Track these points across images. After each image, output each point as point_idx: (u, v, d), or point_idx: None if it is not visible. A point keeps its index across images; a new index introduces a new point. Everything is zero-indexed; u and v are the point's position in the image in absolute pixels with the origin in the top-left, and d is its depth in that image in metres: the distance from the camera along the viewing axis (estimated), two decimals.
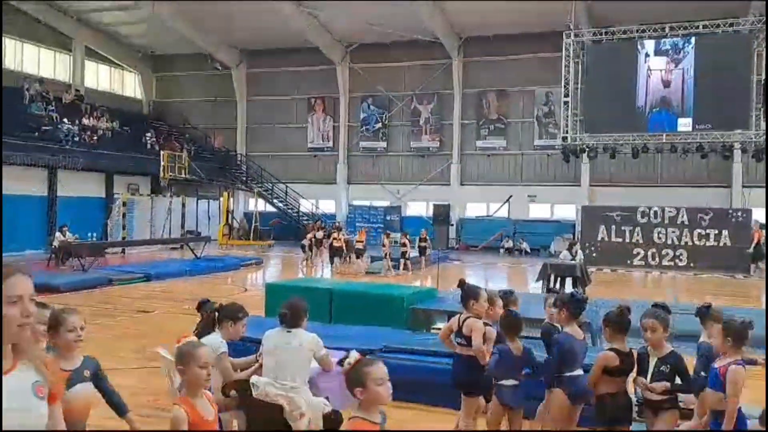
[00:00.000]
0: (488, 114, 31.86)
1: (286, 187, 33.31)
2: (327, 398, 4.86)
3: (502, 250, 29.38)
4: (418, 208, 33.01)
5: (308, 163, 34.68)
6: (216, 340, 4.80)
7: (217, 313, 4.99)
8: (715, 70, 23.50)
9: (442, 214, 31.07)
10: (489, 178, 31.89)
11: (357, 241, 21.57)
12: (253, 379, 4.66)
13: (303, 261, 22.03)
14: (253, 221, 30.61)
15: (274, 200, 32.98)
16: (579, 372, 4.79)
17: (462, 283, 5.48)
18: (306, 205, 33.75)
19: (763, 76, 23.27)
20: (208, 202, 31.81)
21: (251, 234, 30.26)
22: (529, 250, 28.54)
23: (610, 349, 4.54)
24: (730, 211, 24.27)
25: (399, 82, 32.84)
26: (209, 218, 30.97)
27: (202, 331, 4.95)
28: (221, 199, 31.39)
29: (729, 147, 24.13)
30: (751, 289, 18.77)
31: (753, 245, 22.52)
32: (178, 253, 23.71)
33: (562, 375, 4.77)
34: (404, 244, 20.65)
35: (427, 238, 22.57)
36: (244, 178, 34.06)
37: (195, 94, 35.99)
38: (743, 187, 27.44)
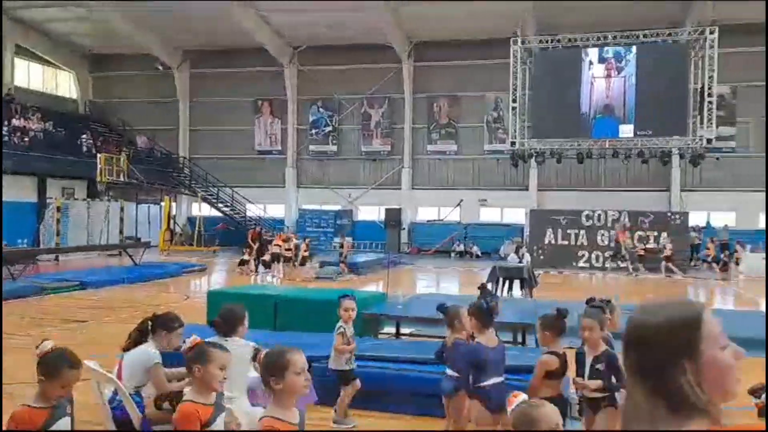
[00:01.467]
0: (439, 118, 32.12)
1: (232, 191, 32.71)
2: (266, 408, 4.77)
3: (453, 254, 29.65)
4: (370, 212, 33.00)
5: (255, 166, 34.14)
6: (148, 351, 4.66)
7: (150, 323, 4.85)
8: (654, 79, 24.23)
9: (393, 218, 31.15)
10: (440, 183, 32.14)
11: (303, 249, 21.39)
12: (188, 389, 4.54)
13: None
14: (197, 226, 29.98)
15: (219, 205, 32.28)
16: (495, 380, 4.73)
17: (482, 287, 5.92)
18: (253, 210, 33.26)
19: (700, 85, 24.13)
20: (149, 206, 30.97)
21: (195, 240, 29.62)
22: (479, 254, 28.85)
23: (549, 353, 4.57)
24: (669, 214, 25.08)
25: (349, 85, 32.70)
26: (150, 223, 30.16)
27: (135, 341, 4.80)
28: (163, 203, 30.63)
29: (668, 152, 24.91)
30: (683, 289, 19.41)
31: (614, 245, 23.38)
32: (116, 260, 22.82)
33: (479, 385, 4.71)
34: (341, 246, 20.66)
35: (344, 243, 22.28)
36: (188, 182, 33.28)
37: (135, 94, 34.93)
38: (681, 190, 28.43)
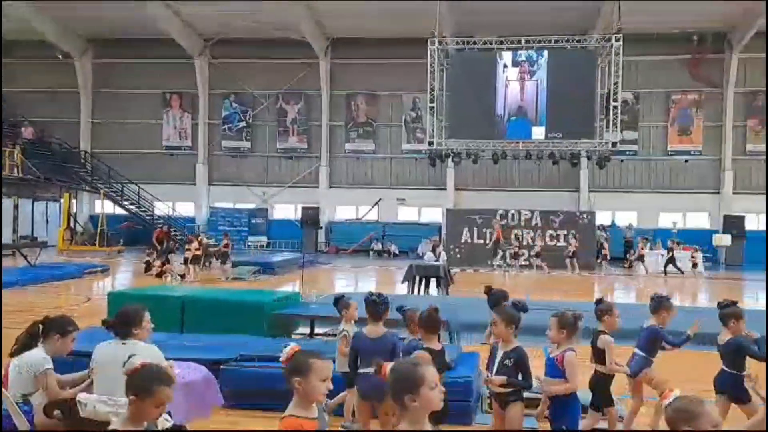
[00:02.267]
0: (357, 117, 32.00)
1: (138, 187, 31.28)
2: (169, 413, 4.49)
3: (371, 253, 29.65)
4: (286, 210, 32.50)
5: (164, 162, 32.73)
6: (38, 356, 4.31)
7: (41, 326, 4.47)
8: (564, 83, 25.05)
9: (310, 217, 30.76)
10: (358, 181, 32.03)
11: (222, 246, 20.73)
12: (80, 396, 4.19)
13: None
14: (99, 225, 28.56)
15: (125, 202, 30.80)
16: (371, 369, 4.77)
17: (488, 290, 5.83)
18: (161, 208, 31.92)
19: (606, 90, 25.18)
20: (47, 203, 29.24)
21: (97, 239, 28.18)
22: (397, 252, 28.97)
23: (424, 349, 4.65)
24: (578, 214, 26.09)
25: (264, 80, 31.96)
26: (48, 222, 28.48)
27: (23, 345, 4.42)
28: (62, 200, 28.95)
29: (576, 155, 25.86)
30: (591, 285, 20.23)
31: (493, 242, 24.34)
32: (10, 261, 21.17)
33: (357, 373, 4.98)
34: (226, 246, 20.21)
35: (230, 243, 21.54)
36: (89, 178, 31.54)
37: (32, 84, 32.38)
38: (589, 191, 29.63)
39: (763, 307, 15.75)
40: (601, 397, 5.17)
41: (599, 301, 5.48)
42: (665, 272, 22.70)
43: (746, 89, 29.19)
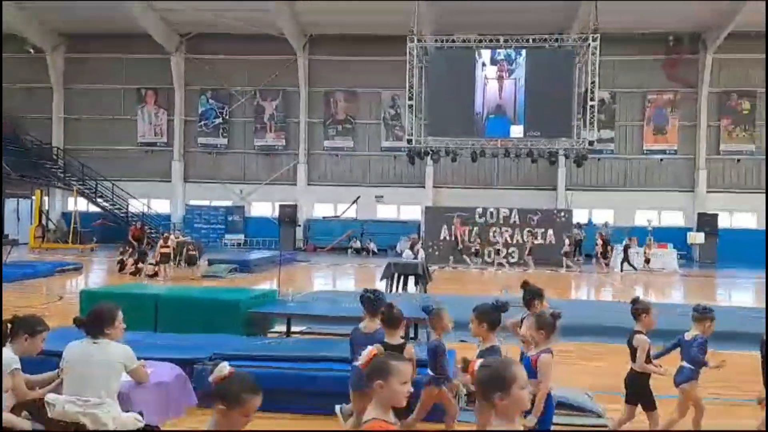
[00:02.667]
0: (336, 114, 31.86)
1: (113, 184, 30.84)
2: (141, 413, 4.43)
3: (350, 251, 29.57)
4: (263, 208, 32.27)
5: (139, 159, 32.27)
6: (6, 356, 4.21)
7: (9, 326, 4.37)
8: (542, 82, 25.19)
9: (288, 215, 30.60)
10: (337, 179, 31.91)
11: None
12: (49, 397, 4.12)
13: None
14: (72, 222, 28.11)
15: (98, 199, 30.34)
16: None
17: (525, 284, 5.66)
18: (136, 205, 31.45)
19: (583, 89, 25.38)
20: (18, 201, 28.71)
21: (70, 237, 27.72)
22: (376, 250, 28.93)
23: (381, 343, 4.71)
24: (555, 212, 26.27)
25: (241, 76, 31.67)
26: (19, 219, 27.96)
27: None
28: (34, 197, 28.44)
29: (554, 153, 26.04)
30: (568, 282, 20.39)
31: (454, 239, 24.64)
32: None
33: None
34: (191, 244, 20.01)
35: (195, 245, 20.84)
36: (62, 175, 30.97)
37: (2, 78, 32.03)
38: (566, 189, 29.86)
39: (734, 305, 16.04)
40: (640, 396, 5.19)
41: (636, 301, 5.42)
42: (621, 269, 23.08)
43: (720, 89, 29.63)
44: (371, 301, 5.22)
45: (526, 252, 24.17)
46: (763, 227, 26.84)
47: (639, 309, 5.30)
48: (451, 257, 24.06)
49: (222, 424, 2.82)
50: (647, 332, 5.22)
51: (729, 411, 6.40)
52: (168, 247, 18.48)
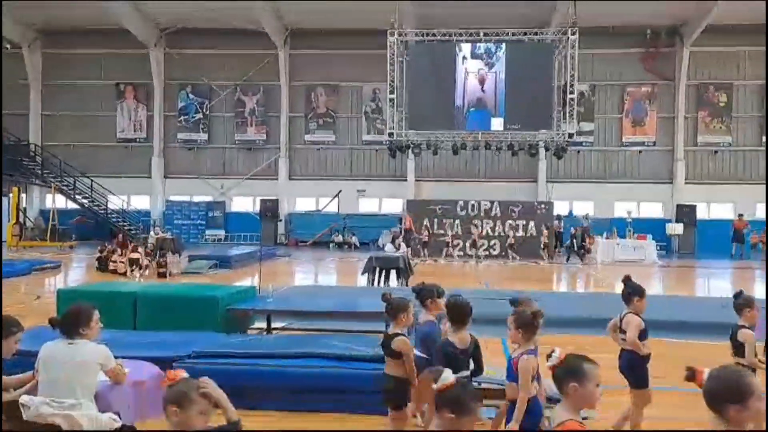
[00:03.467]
0: (317, 108, 31.75)
1: (92, 181, 30.44)
2: (118, 413, 4.40)
3: (332, 245, 29.54)
4: (244, 203, 32.11)
5: (118, 155, 31.95)
6: None
7: None
8: (522, 75, 25.34)
9: (269, 209, 30.50)
10: (318, 173, 31.82)
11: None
12: (24, 398, 4.08)
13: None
14: (50, 220, 27.77)
15: (77, 196, 29.91)
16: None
17: (627, 279, 5.55)
18: (116, 202, 31.12)
19: (563, 82, 25.54)
20: None
21: (48, 234, 27.38)
22: (358, 244, 28.93)
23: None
24: (536, 204, 26.45)
25: (221, 71, 31.45)
26: None
27: None
28: (10, 195, 28.02)
29: (535, 145, 26.19)
30: (549, 274, 20.56)
31: (403, 230, 24.92)
32: None
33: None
34: (164, 240, 19.82)
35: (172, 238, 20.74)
36: (40, 171, 30.49)
37: None
38: (547, 181, 30.04)
39: (709, 294, 16.29)
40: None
41: (738, 295, 5.26)
42: (567, 260, 23.63)
43: (697, 82, 29.95)
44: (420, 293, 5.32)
45: (508, 245, 24.37)
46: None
47: (742, 303, 5.17)
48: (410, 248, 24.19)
49: None
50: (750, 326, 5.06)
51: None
52: (138, 253, 18.04)
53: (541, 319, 4.53)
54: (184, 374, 2.91)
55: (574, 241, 24.84)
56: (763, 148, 29.53)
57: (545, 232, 24.34)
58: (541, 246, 24.16)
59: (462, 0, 25.23)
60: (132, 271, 17.55)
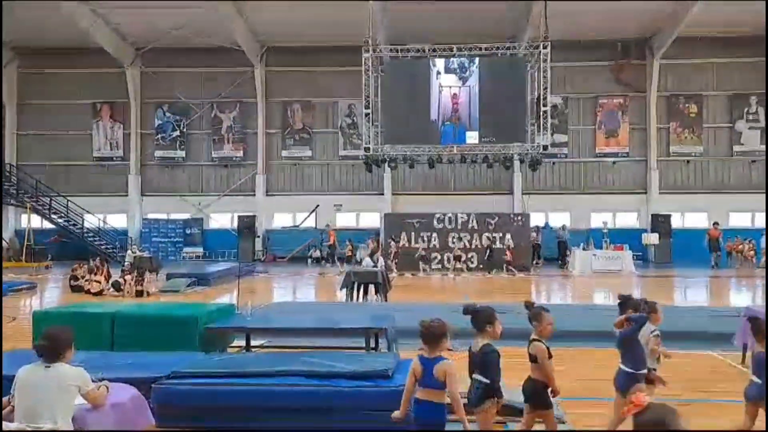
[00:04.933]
0: (293, 124, 31.81)
1: (67, 200, 30.19)
2: None
3: (310, 260, 29.45)
4: (222, 220, 31.96)
5: (94, 174, 31.79)
6: None
7: None
8: (496, 89, 25.60)
9: (247, 226, 30.39)
10: (295, 188, 31.84)
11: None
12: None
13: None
14: (26, 240, 27.37)
15: (53, 216, 29.65)
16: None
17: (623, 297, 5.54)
18: (92, 221, 30.83)
19: (536, 95, 25.86)
20: None
21: (24, 254, 27.03)
22: (336, 259, 28.86)
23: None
24: (512, 216, 26.68)
25: (198, 89, 31.50)
26: None
27: None
28: None
29: (510, 158, 26.43)
30: (527, 286, 20.71)
31: (328, 245, 24.99)
32: None
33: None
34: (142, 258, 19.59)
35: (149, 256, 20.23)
36: (15, 192, 30.16)
37: None
38: (523, 193, 30.35)
39: (693, 304, 16.52)
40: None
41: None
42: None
43: (668, 93, 30.55)
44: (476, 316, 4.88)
45: (485, 257, 24.52)
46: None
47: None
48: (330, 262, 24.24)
49: None
50: None
51: (701, 411, 6.48)
52: (98, 282, 17.55)
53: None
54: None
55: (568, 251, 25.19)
56: (733, 158, 30.22)
57: (508, 251, 24.47)
58: (505, 262, 24.24)
59: (435, 13, 25.50)
60: (107, 291, 17.30)
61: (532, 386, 4.91)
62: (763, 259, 25.45)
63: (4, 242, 29.32)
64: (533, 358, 4.88)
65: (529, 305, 5.19)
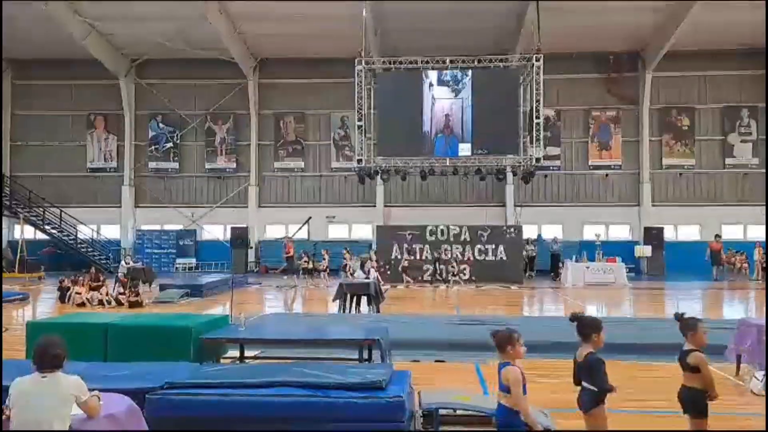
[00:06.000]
0: (286, 136, 31.90)
1: (61, 211, 30.21)
2: None
3: (302, 271, 29.34)
4: (215, 231, 31.93)
5: (88, 185, 31.84)
6: None
7: None
8: (489, 101, 25.70)
9: (239, 237, 30.36)
10: (288, 200, 31.88)
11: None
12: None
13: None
14: (19, 251, 27.28)
15: (46, 227, 29.65)
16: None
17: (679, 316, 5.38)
18: (86, 231, 30.84)
19: (529, 108, 26.04)
20: None
21: (17, 266, 26.94)
22: (329, 270, 28.79)
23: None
24: (505, 228, 26.76)
25: (191, 101, 31.62)
26: None
27: None
28: None
29: (502, 170, 26.55)
30: (520, 298, 20.74)
31: (285, 257, 25.39)
32: None
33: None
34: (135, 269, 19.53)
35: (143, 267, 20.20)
36: (8, 202, 30.12)
37: None
38: (515, 206, 30.46)
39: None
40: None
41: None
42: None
43: (660, 106, 30.81)
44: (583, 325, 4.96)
45: (433, 270, 24.60)
46: (708, 239, 27.74)
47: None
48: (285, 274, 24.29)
49: None
50: None
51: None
52: (79, 294, 17.43)
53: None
54: None
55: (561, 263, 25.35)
56: (726, 170, 30.44)
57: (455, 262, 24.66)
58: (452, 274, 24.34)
59: (427, 26, 25.67)
60: (97, 304, 17.25)
61: (691, 395, 5.02)
62: (757, 270, 25.60)
63: None
64: (692, 368, 5.00)
65: (679, 316, 5.30)
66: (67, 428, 4.20)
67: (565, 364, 8.86)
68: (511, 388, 4.53)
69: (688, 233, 30.31)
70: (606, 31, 27.62)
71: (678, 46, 27.90)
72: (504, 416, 4.61)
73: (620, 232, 30.86)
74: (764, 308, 15.78)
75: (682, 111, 30.83)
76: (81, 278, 18.24)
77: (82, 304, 17.08)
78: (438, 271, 24.94)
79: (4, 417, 4.26)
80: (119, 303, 17.04)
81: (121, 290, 17.62)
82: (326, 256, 25.85)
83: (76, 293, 17.43)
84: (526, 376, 4.65)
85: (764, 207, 27.68)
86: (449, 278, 24.69)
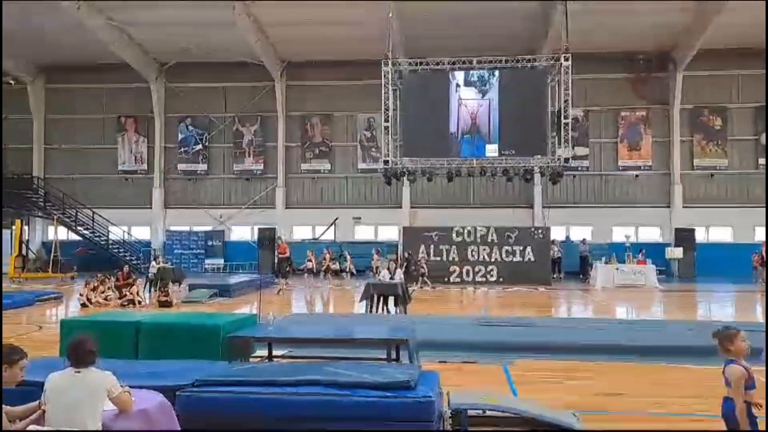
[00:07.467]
0: (313, 137, 32.07)
1: (93, 212, 30.80)
2: None
3: (329, 272, 29.42)
4: (243, 232, 32.22)
5: (119, 186, 32.47)
6: None
7: None
8: (516, 101, 25.52)
9: (267, 238, 30.56)
10: (314, 201, 32.04)
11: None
12: (32, 428, 4.10)
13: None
14: (53, 251, 27.84)
15: (79, 227, 30.28)
16: None
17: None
18: (117, 232, 31.37)
19: (557, 108, 25.79)
20: None
21: (50, 265, 27.46)
22: (355, 272, 28.87)
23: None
24: (533, 230, 26.55)
25: (220, 103, 32.01)
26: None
27: None
28: (13, 227, 28.15)
29: (530, 171, 26.31)
30: (548, 300, 20.54)
31: (280, 258, 25.07)
32: None
33: None
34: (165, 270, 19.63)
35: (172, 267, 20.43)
36: (42, 204, 30.85)
37: None
38: (543, 207, 30.18)
39: (712, 319, 16.27)
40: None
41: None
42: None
43: (691, 106, 30.29)
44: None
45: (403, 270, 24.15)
46: (740, 241, 27.23)
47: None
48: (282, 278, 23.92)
49: None
50: None
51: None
52: (104, 292, 17.71)
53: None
54: None
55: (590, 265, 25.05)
56: (759, 171, 29.79)
57: (424, 263, 24.48)
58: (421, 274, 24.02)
59: (453, 27, 25.59)
60: (126, 305, 17.45)
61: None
62: None
63: (31, 253, 29.80)
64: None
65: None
66: (99, 423, 4.26)
67: (593, 367, 8.78)
68: (732, 384, 4.59)
69: (720, 235, 29.73)
70: (635, 31, 27.24)
71: (709, 44, 27.41)
72: (728, 409, 4.69)
73: (650, 234, 30.39)
74: None
75: (714, 111, 30.29)
76: (107, 278, 18.48)
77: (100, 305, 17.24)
78: (464, 272, 24.71)
79: (40, 410, 4.34)
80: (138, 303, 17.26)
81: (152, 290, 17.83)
82: (348, 257, 25.93)
83: (96, 300, 17.46)
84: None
85: None
86: (475, 280, 24.54)
